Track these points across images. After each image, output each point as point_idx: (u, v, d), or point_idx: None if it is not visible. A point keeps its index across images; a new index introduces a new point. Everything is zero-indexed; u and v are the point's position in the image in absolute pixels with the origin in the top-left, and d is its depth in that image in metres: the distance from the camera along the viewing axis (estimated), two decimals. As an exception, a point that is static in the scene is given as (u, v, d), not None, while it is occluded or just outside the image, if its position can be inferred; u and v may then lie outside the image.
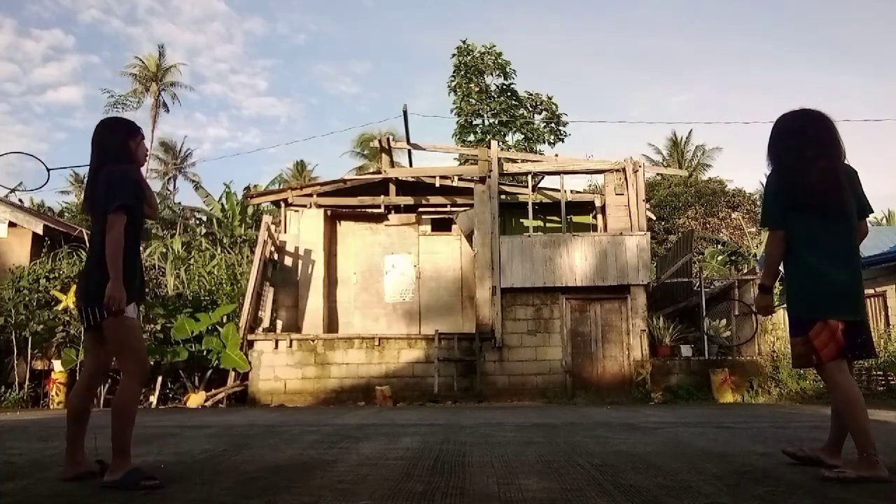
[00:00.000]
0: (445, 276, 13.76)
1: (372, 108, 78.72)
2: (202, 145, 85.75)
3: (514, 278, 11.88)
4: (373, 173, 15.16)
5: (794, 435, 5.03)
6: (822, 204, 3.10)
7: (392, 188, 13.66)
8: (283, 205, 13.86)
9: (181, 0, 72.71)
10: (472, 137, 22.81)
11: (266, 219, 13.41)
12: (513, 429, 5.80)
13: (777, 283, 3.38)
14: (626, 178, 12.34)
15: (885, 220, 31.01)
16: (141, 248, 3.64)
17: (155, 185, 35.20)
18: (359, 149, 35.06)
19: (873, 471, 2.82)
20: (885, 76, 70.29)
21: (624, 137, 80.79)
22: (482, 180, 12.64)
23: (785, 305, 3.32)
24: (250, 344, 11.76)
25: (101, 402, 9.77)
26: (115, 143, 3.25)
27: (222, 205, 22.93)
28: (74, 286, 2.97)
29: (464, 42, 23.37)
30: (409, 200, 13.65)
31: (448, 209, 13.72)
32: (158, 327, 11.55)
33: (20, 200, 15.64)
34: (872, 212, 3.38)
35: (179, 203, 30.75)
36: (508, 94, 23.38)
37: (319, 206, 13.59)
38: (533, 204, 12.79)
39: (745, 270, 15.17)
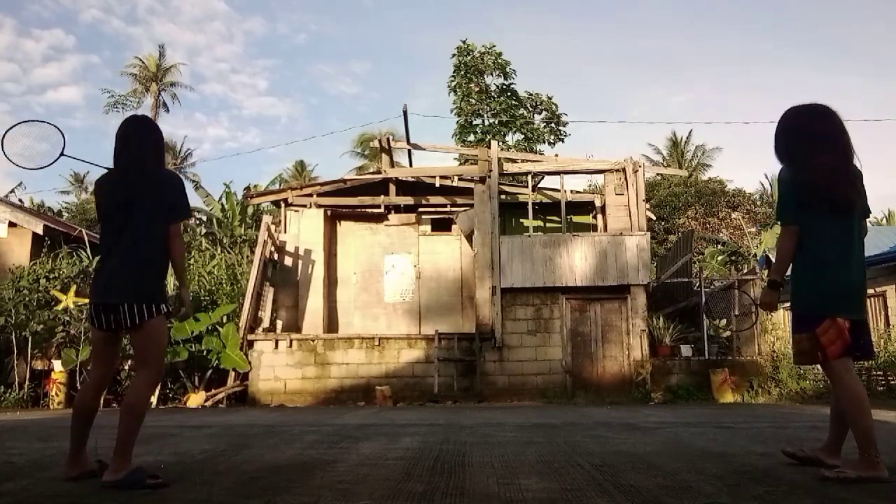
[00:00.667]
0: (445, 276, 13.76)
1: (372, 108, 78.73)
2: (202, 145, 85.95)
3: (514, 278, 11.88)
4: (373, 173, 15.16)
5: (794, 435, 5.03)
6: (832, 200, 3.07)
7: (392, 188, 13.67)
8: (283, 205, 13.87)
9: (181, 0, 72.70)
10: (472, 137, 22.81)
11: (266, 219, 13.40)
12: (513, 429, 5.80)
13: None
14: (626, 178, 12.34)
15: (885, 220, 30.96)
16: None
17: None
18: (359, 149, 35.05)
19: (873, 471, 2.81)
20: (885, 76, 70.27)
21: (624, 137, 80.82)
22: (482, 180, 12.65)
23: (787, 304, 3.29)
24: (250, 344, 11.76)
25: (102, 402, 9.75)
26: (162, 146, 3.39)
27: (222, 205, 22.92)
28: (95, 284, 2.93)
29: (464, 42, 23.41)
30: (409, 200, 13.66)
31: (448, 209, 13.73)
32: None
33: (20, 200, 15.65)
34: (871, 213, 3.36)
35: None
36: (508, 94, 23.38)
37: (319, 206, 13.60)
38: (533, 204, 12.79)
39: (745, 270, 15.15)
